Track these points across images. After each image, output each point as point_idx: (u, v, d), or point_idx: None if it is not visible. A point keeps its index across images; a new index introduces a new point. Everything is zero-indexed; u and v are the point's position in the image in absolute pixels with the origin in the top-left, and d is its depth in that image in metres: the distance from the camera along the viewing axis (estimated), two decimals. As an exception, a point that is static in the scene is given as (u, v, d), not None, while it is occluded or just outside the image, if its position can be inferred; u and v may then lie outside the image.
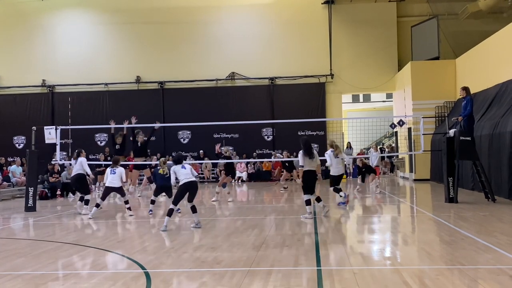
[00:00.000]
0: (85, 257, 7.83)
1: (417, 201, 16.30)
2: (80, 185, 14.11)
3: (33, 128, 16.04)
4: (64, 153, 25.39)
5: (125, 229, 11.07)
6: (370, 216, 12.58)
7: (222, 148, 16.91)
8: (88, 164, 14.28)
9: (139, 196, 18.19)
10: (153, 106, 28.02)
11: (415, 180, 23.35)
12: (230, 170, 16.21)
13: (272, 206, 14.95)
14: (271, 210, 13.89)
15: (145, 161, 16.79)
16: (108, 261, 7.68)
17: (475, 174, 15.13)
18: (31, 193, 14.69)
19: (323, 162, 13.69)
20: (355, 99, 34.38)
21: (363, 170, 19.04)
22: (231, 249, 8.10)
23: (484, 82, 18.89)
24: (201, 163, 26.48)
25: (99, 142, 28.05)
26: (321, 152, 26.81)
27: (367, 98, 34.62)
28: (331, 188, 13.98)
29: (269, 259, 7.28)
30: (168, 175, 11.65)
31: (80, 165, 13.86)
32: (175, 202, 10.47)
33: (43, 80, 28.91)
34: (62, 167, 21.17)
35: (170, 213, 10.34)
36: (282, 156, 26.57)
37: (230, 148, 17.17)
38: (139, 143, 16.42)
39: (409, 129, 24.02)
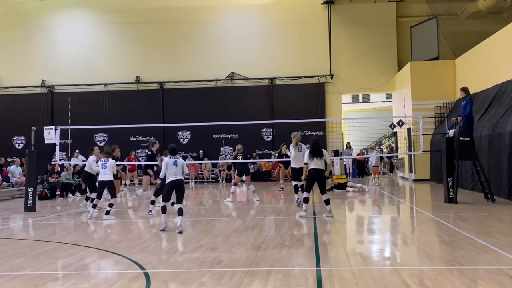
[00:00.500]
0: (84, 258, 7.83)
1: (416, 201, 16.31)
2: (87, 183, 13.98)
3: (32, 128, 16.04)
4: (64, 153, 25.40)
5: (125, 229, 11.06)
6: (369, 217, 12.59)
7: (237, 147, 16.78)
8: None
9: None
10: (153, 106, 28.02)
11: (414, 180, 23.35)
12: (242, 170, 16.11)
13: (271, 206, 14.94)
14: (270, 210, 13.88)
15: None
16: (108, 261, 7.67)
17: (474, 175, 15.14)
18: (30, 194, 14.68)
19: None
20: (355, 99, 34.39)
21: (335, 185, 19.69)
22: (230, 249, 8.09)
23: (483, 83, 18.89)
24: (201, 163, 26.48)
25: (98, 142, 28.00)
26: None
27: (366, 99, 34.62)
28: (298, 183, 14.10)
29: (269, 259, 7.28)
30: None
31: (88, 164, 13.64)
32: (165, 200, 10.44)
33: (43, 80, 28.91)
34: (62, 167, 21.14)
35: (164, 210, 10.34)
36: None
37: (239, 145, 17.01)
38: (154, 151, 16.15)
39: (409, 129, 24.02)
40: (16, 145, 28.66)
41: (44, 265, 7.33)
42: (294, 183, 14.43)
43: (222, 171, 26.52)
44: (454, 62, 23.34)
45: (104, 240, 9.53)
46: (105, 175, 12.42)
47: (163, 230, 10.13)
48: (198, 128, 26.51)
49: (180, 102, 27.83)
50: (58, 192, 19.50)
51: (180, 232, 9.86)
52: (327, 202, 11.71)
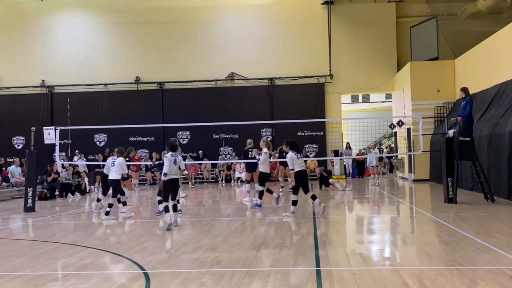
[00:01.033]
0: (84, 258, 7.82)
1: (416, 201, 16.31)
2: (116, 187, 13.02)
3: (32, 128, 16.04)
4: (64, 154, 25.40)
5: (124, 229, 11.06)
6: (369, 217, 12.59)
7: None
8: (87, 165, 14.24)
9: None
10: (153, 106, 28.02)
11: (414, 180, 23.36)
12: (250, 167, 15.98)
13: (271, 207, 14.93)
14: (270, 210, 13.88)
15: None
16: (107, 261, 7.67)
17: (474, 175, 15.14)
18: (30, 194, 14.68)
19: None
20: (355, 99, 34.38)
21: (320, 177, 20.15)
22: (230, 250, 8.09)
23: (483, 83, 18.90)
24: (201, 164, 26.47)
25: (98, 143, 28.05)
26: (322, 153, 27.10)
27: (366, 99, 34.62)
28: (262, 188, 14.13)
29: (269, 259, 7.28)
30: None
31: (120, 166, 12.56)
32: (165, 198, 10.61)
33: (43, 81, 28.91)
34: (62, 167, 21.14)
35: (167, 209, 10.52)
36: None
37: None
38: None
39: (408, 129, 24.03)
40: (16, 145, 28.66)
41: (44, 265, 7.33)
42: (261, 188, 14.17)
43: (222, 171, 26.53)
44: (453, 62, 23.35)
45: (104, 240, 9.53)
46: (112, 173, 12.44)
47: (169, 229, 10.18)
48: (197, 128, 26.51)
49: (180, 102, 27.84)
50: (57, 192, 19.49)
51: (176, 226, 10.45)
52: (313, 197, 11.91)
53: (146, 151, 27.80)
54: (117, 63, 28.60)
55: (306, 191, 11.86)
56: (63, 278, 6.69)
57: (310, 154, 27.19)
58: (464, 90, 14.47)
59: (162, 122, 27.41)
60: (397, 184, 22.99)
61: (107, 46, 28.95)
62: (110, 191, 13.08)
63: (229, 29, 28.37)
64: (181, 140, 27.78)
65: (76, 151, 24.99)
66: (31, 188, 14.74)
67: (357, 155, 28.04)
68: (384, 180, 24.79)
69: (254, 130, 26.79)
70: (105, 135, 28.08)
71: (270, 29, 28.21)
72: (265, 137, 14.98)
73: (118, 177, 12.43)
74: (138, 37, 28.74)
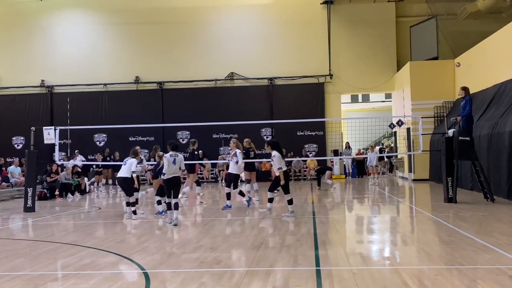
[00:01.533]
0: (84, 258, 7.82)
1: (416, 201, 16.31)
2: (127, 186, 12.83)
3: (32, 128, 16.03)
4: (63, 154, 25.40)
5: (124, 229, 11.06)
6: (369, 217, 12.59)
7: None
8: (88, 165, 14.25)
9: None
10: (152, 106, 28.02)
11: (414, 180, 23.36)
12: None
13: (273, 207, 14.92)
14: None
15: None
16: (107, 261, 7.66)
17: (474, 174, 15.14)
18: (30, 194, 14.67)
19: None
20: (354, 99, 34.36)
21: (317, 174, 20.62)
22: (230, 249, 8.10)
23: (483, 82, 18.90)
24: (201, 163, 26.42)
25: (98, 143, 28.04)
26: (322, 153, 27.09)
27: (366, 98, 34.60)
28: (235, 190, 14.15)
29: (268, 259, 7.28)
30: None
31: (130, 166, 12.42)
32: (169, 196, 10.99)
33: (42, 81, 28.91)
34: (62, 167, 21.13)
35: (169, 207, 10.93)
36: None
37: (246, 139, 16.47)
38: (195, 149, 16.15)
39: (408, 129, 24.03)
40: (16, 145, 28.66)
41: (44, 265, 7.33)
42: (232, 190, 14.04)
43: (221, 171, 26.52)
44: (453, 62, 23.33)
45: (104, 240, 9.52)
46: (122, 172, 12.43)
47: (175, 225, 10.62)
48: (197, 128, 26.48)
49: (179, 102, 27.83)
50: (57, 192, 19.49)
51: (175, 225, 10.60)
52: (271, 200, 12.27)
53: (146, 151, 27.69)
54: (117, 63, 28.60)
55: (272, 189, 12.14)
56: (63, 278, 6.69)
57: (310, 153, 27.19)
58: (465, 89, 14.45)
59: (162, 122, 27.40)
60: (396, 184, 22.99)
61: (107, 46, 28.95)
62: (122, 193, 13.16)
63: (229, 29, 28.37)
64: (180, 140, 27.78)
65: (76, 151, 24.97)
66: (31, 188, 14.73)
67: (356, 154, 28.03)
68: (384, 180, 24.79)
69: (254, 130, 26.80)
70: (104, 135, 28.08)
71: (270, 29, 28.21)
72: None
73: (128, 175, 12.29)
74: (138, 37, 28.74)
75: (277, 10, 28.16)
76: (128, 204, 12.41)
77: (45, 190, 19.19)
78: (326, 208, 14.02)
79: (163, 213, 12.46)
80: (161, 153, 13.08)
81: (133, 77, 28.50)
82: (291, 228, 10.27)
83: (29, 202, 14.63)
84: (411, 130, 23.62)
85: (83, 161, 22.91)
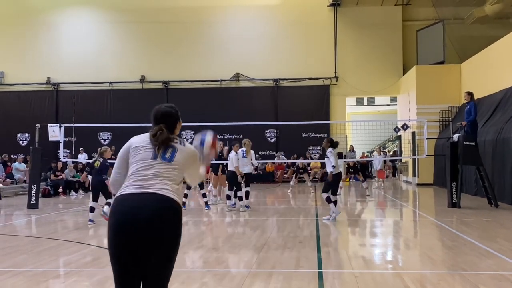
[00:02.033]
0: (86, 255, 7.84)
1: (419, 205, 16.26)
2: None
3: (37, 125, 16.09)
4: (68, 151, 25.46)
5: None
6: (372, 220, 12.57)
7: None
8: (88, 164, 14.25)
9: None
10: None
11: (418, 184, 23.30)
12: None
13: (274, 208, 14.94)
14: (273, 211, 13.88)
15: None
16: (109, 260, 7.66)
17: (478, 180, 15.09)
18: (34, 190, 14.71)
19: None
20: (359, 102, 34.36)
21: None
22: (232, 250, 8.09)
23: (489, 87, 18.84)
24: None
25: (102, 141, 28.08)
26: (322, 154, 26.99)
27: (371, 102, 34.59)
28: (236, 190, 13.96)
29: (271, 261, 7.27)
30: None
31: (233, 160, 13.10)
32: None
33: (48, 78, 28.98)
34: (65, 164, 21.17)
35: (240, 198, 12.89)
36: (285, 158, 26.65)
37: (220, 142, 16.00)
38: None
39: (413, 133, 23.98)
40: (20, 142, 28.73)
41: (46, 262, 7.34)
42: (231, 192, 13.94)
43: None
44: (459, 67, 23.28)
45: (107, 238, 9.53)
46: None
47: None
48: (202, 128, 26.31)
49: (184, 102, 27.78)
50: (61, 190, 19.53)
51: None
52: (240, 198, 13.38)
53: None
54: (123, 61, 28.65)
55: (332, 192, 11.86)
56: (65, 275, 6.70)
57: (314, 156, 27.17)
58: (470, 94, 14.40)
59: (167, 121, 27.33)
60: (400, 188, 22.94)
61: (113, 45, 29.00)
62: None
63: (235, 29, 28.38)
64: (185, 140, 27.75)
65: (81, 148, 25.01)
66: (35, 185, 14.78)
67: (360, 157, 27.98)
68: (387, 184, 24.74)
69: (258, 131, 26.81)
70: (109, 133, 28.13)
71: (276, 30, 28.21)
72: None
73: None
74: (144, 36, 28.78)
75: (284, 12, 28.15)
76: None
77: (49, 187, 19.24)
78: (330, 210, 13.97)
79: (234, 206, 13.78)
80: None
81: (139, 76, 28.55)
82: (294, 230, 10.25)
83: (33, 199, 14.67)
84: (416, 134, 23.56)
85: (86, 159, 22.95)
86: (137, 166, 3.58)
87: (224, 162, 14.77)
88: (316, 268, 6.79)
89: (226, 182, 14.21)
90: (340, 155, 26.05)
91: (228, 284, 6.00)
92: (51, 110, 28.79)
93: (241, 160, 13.61)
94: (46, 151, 18.43)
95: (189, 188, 14.00)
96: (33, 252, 8.14)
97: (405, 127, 20.49)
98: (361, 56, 27.58)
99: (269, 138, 27.82)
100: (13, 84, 29.06)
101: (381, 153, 23.97)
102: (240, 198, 13.48)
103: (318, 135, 27.28)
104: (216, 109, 27.00)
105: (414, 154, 23.76)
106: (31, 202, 14.66)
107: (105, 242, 8.91)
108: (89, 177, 15.71)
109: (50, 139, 16.58)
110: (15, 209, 15.24)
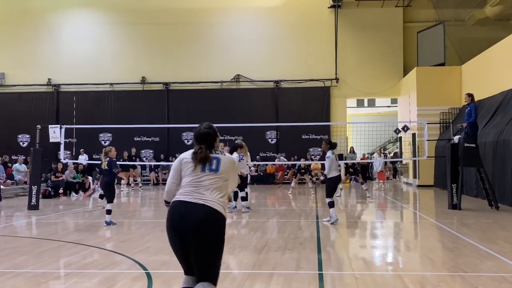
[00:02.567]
0: (86, 257, 7.84)
1: (420, 207, 16.26)
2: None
3: (37, 126, 16.10)
4: (68, 152, 25.46)
5: (128, 229, 11.08)
6: (372, 222, 12.56)
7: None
8: (91, 164, 14.27)
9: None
10: (158, 107, 28.06)
11: (418, 186, 23.29)
12: None
13: (274, 209, 14.94)
14: (273, 213, 13.87)
15: None
16: (110, 261, 7.67)
17: (479, 181, 15.09)
18: (34, 192, 14.71)
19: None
20: (360, 103, 34.32)
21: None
22: (232, 252, 8.08)
23: (489, 89, 18.84)
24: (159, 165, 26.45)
25: (103, 142, 28.08)
26: (322, 156, 26.98)
27: (371, 103, 34.57)
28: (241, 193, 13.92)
29: (271, 262, 7.27)
30: None
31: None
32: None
33: (49, 79, 28.99)
34: (66, 166, 21.18)
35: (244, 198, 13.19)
36: (285, 159, 26.67)
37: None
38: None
39: (414, 134, 23.97)
40: (21, 143, 28.73)
41: (47, 263, 7.34)
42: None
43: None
44: (460, 68, 23.29)
45: (107, 239, 9.54)
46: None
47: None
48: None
49: (185, 103, 27.85)
50: (61, 191, 19.54)
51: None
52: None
53: (151, 151, 27.90)
54: (124, 63, 28.66)
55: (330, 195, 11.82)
56: (66, 276, 6.70)
57: (314, 157, 27.16)
58: (471, 96, 14.40)
59: (167, 122, 27.42)
60: (401, 189, 22.93)
61: (114, 46, 29.02)
62: None
63: (235, 31, 28.40)
64: (185, 141, 27.83)
65: (81, 149, 25.03)
66: (36, 186, 14.78)
67: (361, 159, 27.95)
68: (388, 185, 24.73)
69: (259, 132, 26.85)
70: (110, 135, 28.13)
71: (277, 31, 28.23)
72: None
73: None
74: (144, 37, 28.80)
75: (284, 13, 28.17)
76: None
77: (50, 189, 19.25)
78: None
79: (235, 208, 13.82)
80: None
81: (139, 77, 28.56)
82: (294, 231, 10.25)
83: (33, 200, 14.68)
84: (416, 136, 23.56)
85: (86, 160, 22.96)
86: (190, 178, 4.28)
87: None
88: (316, 269, 6.79)
89: None
90: (340, 157, 26.07)
91: (229, 285, 5.99)
92: (51, 111, 28.80)
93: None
94: (46, 152, 18.44)
95: None
96: (33, 253, 8.14)
97: (405, 128, 20.47)
98: (361, 57, 27.60)
99: (269, 140, 27.83)
100: (14, 85, 29.07)
101: (382, 154, 23.92)
102: (243, 198, 13.60)
103: (319, 137, 27.25)
104: (217, 110, 26.97)
105: (414, 155, 23.75)
106: (32, 203, 14.66)
107: (105, 244, 8.93)
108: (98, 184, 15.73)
109: (51, 140, 16.60)
110: (15, 210, 15.24)
